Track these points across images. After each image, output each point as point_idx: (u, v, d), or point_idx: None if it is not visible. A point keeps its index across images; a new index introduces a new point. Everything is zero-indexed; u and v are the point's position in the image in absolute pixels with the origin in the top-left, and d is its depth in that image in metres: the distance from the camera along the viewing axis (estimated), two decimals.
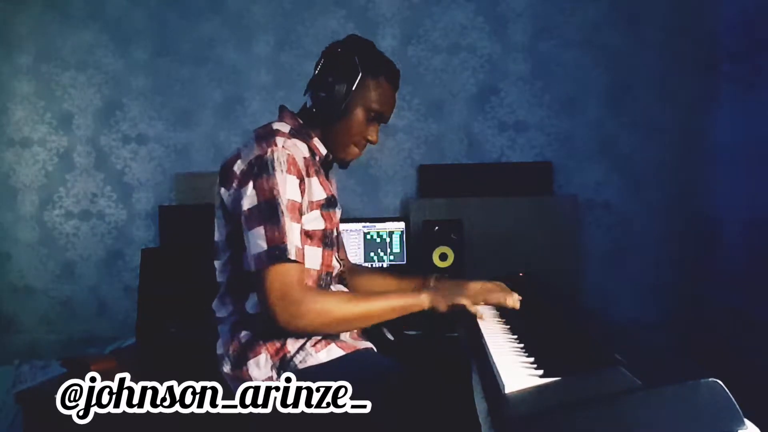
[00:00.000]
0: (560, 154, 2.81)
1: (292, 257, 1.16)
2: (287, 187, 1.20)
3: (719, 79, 2.69)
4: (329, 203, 1.35)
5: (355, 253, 2.58)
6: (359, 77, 1.30)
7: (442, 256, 2.46)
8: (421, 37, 2.86)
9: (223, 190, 1.26)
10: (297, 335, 1.25)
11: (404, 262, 2.60)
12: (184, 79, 2.93)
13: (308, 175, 1.27)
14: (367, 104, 1.33)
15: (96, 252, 2.97)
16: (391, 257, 2.60)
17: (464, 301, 1.29)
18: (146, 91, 2.96)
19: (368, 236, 2.61)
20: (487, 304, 1.35)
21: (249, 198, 1.19)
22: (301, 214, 1.24)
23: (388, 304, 1.26)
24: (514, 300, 1.34)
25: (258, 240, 1.17)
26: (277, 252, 1.15)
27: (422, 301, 1.29)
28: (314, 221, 1.29)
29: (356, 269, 1.63)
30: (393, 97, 1.38)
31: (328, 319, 1.19)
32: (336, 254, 1.40)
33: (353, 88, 1.30)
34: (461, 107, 2.85)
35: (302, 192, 1.24)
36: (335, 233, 1.39)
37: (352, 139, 1.36)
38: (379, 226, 2.61)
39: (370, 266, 2.59)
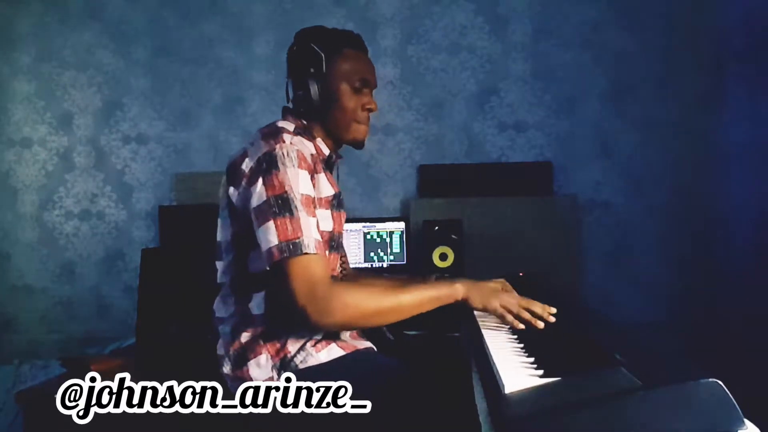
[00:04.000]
0: (560, 154, 2.81)
1: (311, 251, 1.14)
2: (300, 182, 1.18)
3: (724, 79, 2.69)
4: (338, 202, 1.36)
5: (355, 254, 2.58)
6: (324, 60, 1.30)
7: (442, 256, 2.47)
8: (421, 37, 2.86)
9: (231, 189, 1.25)
10: (327, 330, 1.24)
11: (404, 262, 2.60)
12: (184, 79, 2.94)
13: (317, 171, 1.27)
14: (346, 79, 1.33)
15: (96, 252, 2.97)
16: (391, 257, 2.61)
17: (500, 311, 1.23)
18: (146, 91, 2.96)
19: (368, 236, 2.61)
20: (520, 320, 1.22)
21: (258, 194, 1.18)
22: (315, 208, 1.23)
23: (421, 295, 1.21)
24: (549, 319, 1.22)
25: (268, 235, 1.15)
26: (291, 246, 1.13)
27: (456, 291, 1.24)
28: (324, 221, 1.28)
29: (358, 275, 1.62)
30: (366, 60, 1.38)
31: (358, 313, 1.15)
32: (340, 257, 1.40)
33: (324, 72, 1.30)
34: (461, 107, 2.85)
35: (313, 186, 1.24)
36: (341, 237, 1.40)
37: (352, 118, 1.35)
38: (379, 226, 2.61)
39: (370, 266, 2.60)
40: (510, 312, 1.23)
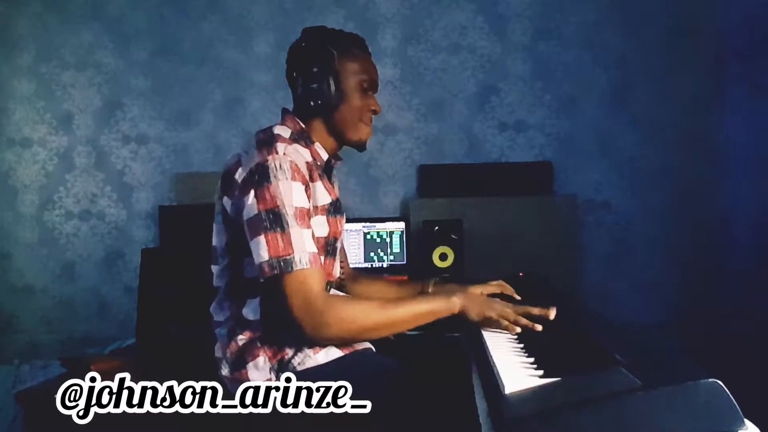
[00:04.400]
0: (560, 154, 2.81)
1: (305, 266, 1.14)
2: (293, 195, 1.18)
3: (725, 79, 2.69)
4: (335, 208, 1.35)
5: (355, 254, 2.58)
6: (336, 59, 1.30)
7: (442, 256, 2.46)
8: (421, 37, 2.86)
9: (225, 198, 1.25)
10: (323, 344, 1.23)
11: (404, 262, 2.60)
12: (184, 79, 2.93)
13: (312, 180, 1.26)
14: (356, 79, 1.33)
15: (96, 252, 2.97)
16: (391, 257, 2.60)
17: (496, 319, 1.23)
18: (146, 91, 2.96)
19: (368, 236, 2.61)
20: (516, 324, 1.22)
21: (250, 207, 1.18)
22: (309, 218, 1.22)
23: (417, 309, 1.22)
24: (549, 316, 1.21)
25: (260, 250, 1.15)
26: (282, 263, 1.13)
27: (453, 305, 1.25)
28: (319, 227, 1.28)
29: (357, 276, 1.62)
30: (371, 62, 1.39)
31: (354, 327, 1.17)
32: (337, 263, 1.40)
33: (336, 69, 1.30)
34: (461, 107, 2.85)
35: (308, 197, 1.23)
36: (338, 241, 1.39)
37: (359, 117, 1.35)
38: (379, 226, 2.61)
39: (370, 266, 2.59)
40: (505, 318, 1.23)
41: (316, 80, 1.30)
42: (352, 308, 1.17)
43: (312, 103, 1.31)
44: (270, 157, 1.19)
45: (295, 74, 1.34)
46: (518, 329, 1.21)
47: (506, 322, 1.22)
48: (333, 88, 1.30)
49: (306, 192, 1.22)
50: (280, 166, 1.18)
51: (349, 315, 1.15)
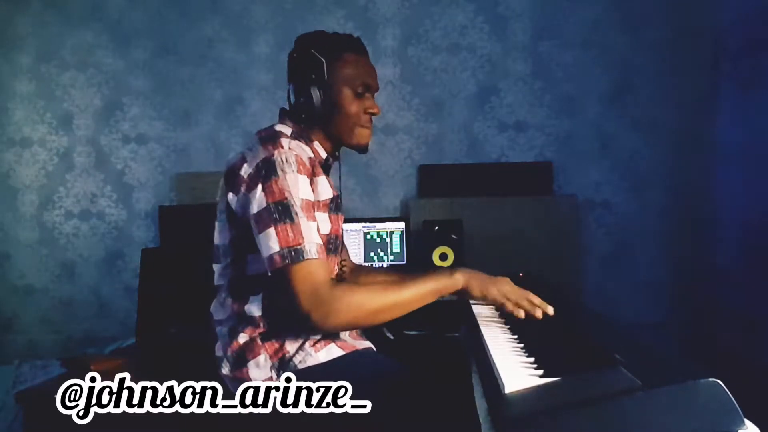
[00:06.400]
0: (560, 154, 2.81)
1: (313, 256, 1.15)
2: (299, 187, 1.19)
3: (719, 79, 2.69)
4: (336, 205, 1.35)
5: (355, 253, 2.58)
6: (325, 66, 1.29)
7: (442, 256, 2.47)
8: (421, 37, 2.86)
9: (230, 195, 1.25)
10: (333, 332, 1.25)
11: (404, 262, 2.60)
12: (184, 79, 2.94)
13: (315, 174, 1.27)
14: (348, 85, 1.31)
15: (96, 252, 2.97)
16: (391, 257, 2.60)
17: (501, 299, 1.26)
18: (146, 91, 2.96)
19: (368, 236, 2.61)
20: (518, 307, 1.25)
21: (258, 201, 1.18)
22: (314, 211, 1.23)
23: (422, 288, 1.22)
24: (548, 311, 1.25)
25: (269, 242, 1.16)
26: (293, 253, 1.14)
27: (456, 281, 1.25)
28: (322, 224, 1.28)
29: (359, 270, 1.62)
30: (368, 63, 1.36)
31: (362, 313, 1.17)
32: (338, 259, 1.40)
33: (326, 79, 1.29)
34: (461, 107, 2.86)
35: (312, 190, 1.24)
36: (338, 239, 1.39)
37: (356, 122, 1.34)
38: (379, 226, 2.61)
39: (370, 266, 2.59)
40: (509, 300, 1.26)
41: (306, 94, 1.29)
42: (358, 294, 1.18)
43: (305, 116, 1.31)
44: (276, 152, 1.20)
45: (289, 85, 1.34)
46: (522, 313, 1.23)
47: (510, 305, 1.25)
48: (324, 100, 1.29)
49: (311, 185, 1.23)
50: (286, 159, 1.19)
51: (356, 301, 1.16)
